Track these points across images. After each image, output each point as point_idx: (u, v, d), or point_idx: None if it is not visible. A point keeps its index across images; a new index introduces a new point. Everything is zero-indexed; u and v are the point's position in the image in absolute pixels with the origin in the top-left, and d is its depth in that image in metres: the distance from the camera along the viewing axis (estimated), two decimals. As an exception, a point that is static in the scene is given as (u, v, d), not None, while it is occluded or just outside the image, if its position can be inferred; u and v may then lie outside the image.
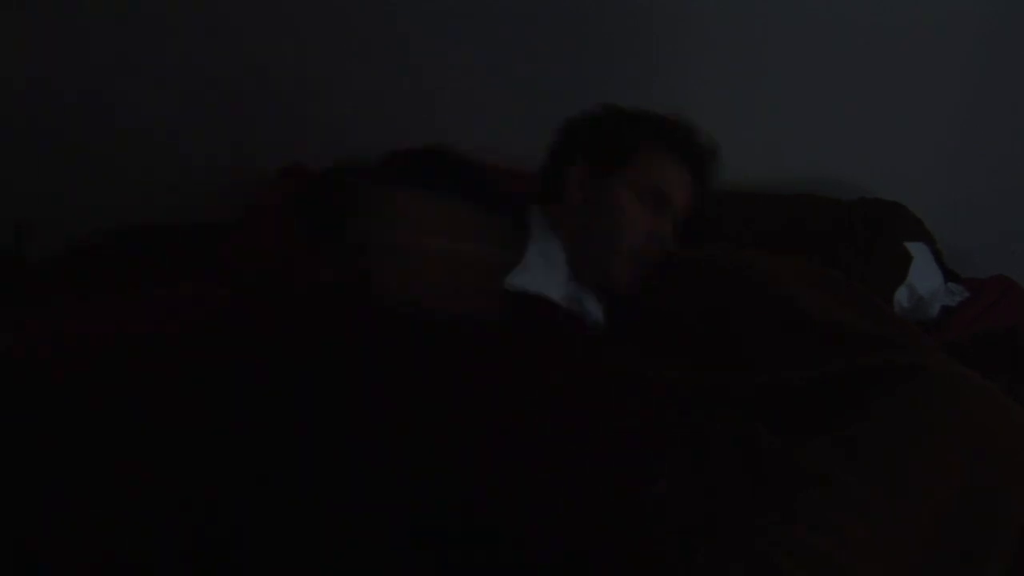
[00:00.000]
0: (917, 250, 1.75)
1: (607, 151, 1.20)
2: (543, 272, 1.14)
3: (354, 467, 0.78)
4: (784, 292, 1.25)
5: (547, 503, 0.77)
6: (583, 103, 1.94)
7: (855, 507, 0.86)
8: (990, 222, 2.06)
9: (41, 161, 1.91)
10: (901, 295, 1.69)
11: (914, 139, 2.00)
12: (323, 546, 0.75)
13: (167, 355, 1.03)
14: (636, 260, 1.21)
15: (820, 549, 0.81)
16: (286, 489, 0.79)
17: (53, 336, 1.22)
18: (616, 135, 1.23)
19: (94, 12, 1.80)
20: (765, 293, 1.26)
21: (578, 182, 1.18)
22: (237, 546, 0.77)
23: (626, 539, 0.76)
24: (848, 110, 1.97)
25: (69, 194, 1.92)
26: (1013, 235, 2.07)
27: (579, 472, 0.81)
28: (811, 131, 1.99)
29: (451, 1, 1.85)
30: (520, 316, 1.06)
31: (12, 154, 1.90)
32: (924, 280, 1.72)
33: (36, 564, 0.79)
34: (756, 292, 1.27)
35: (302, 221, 1.15)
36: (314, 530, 0.76)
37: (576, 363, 0.94)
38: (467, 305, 1.00)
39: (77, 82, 1.86)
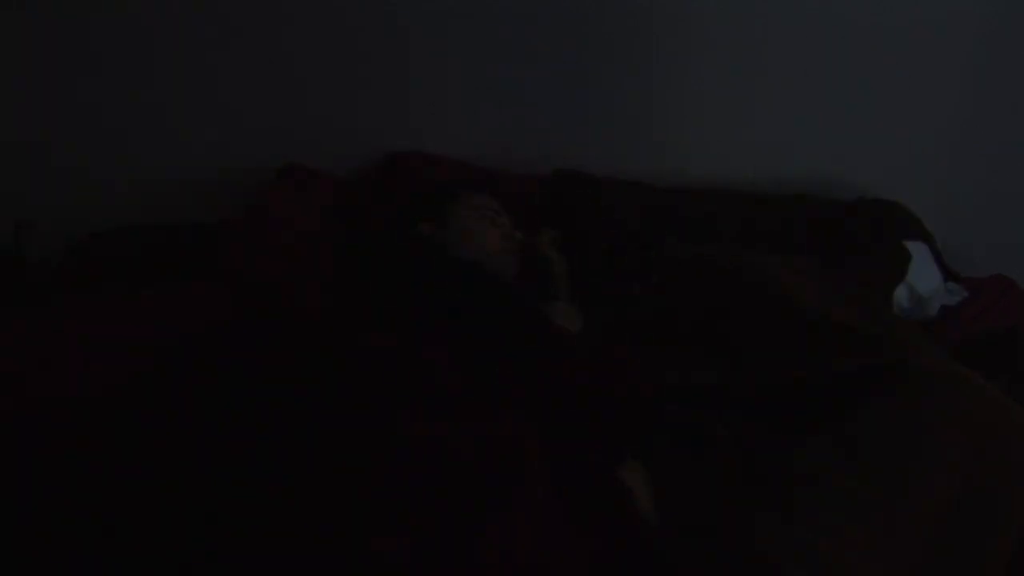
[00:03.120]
0: (917, 249, 1.75)
1: (436, 203, 1.54)
2: None
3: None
4: (783, 292, 1.25)
5: None
6: (584, 104, 1.95)
7: (855, 507, 0.86)
8: (990, 222, 2.06)
9: (41, 161, 1.91)
10: (901, 294, 1.69)
11: (914, 139, 2.00)
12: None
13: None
14: (508, 252, 1.49)
15: (820, 549, 0.82)
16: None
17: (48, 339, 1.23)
18: (436, 192, 1.59)
19: (94, 13, 1.80)
20: (764, 293, 1.26)
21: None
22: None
23: None
24: (848, 110, 1.97)
25: (69, 194, 1.92)
26: (1013, 235, 2.07)
27: None
28: (811, 131, 1.99)
29: (451, 3, 1.85)
30: None
31: (12, 154, 1.90)
32: (924, 280, 1.71)
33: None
34: (755, 292, 1.27)
35: None
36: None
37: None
38: None
39: (77, 82, 1.86)
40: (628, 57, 1.92)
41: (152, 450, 0.88)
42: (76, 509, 0.83)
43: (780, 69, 1.93)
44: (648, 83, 1.94)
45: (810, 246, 1.72)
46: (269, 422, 0.88)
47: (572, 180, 1.86)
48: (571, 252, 1.65)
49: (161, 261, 1.75)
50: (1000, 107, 1.98)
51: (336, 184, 1.91)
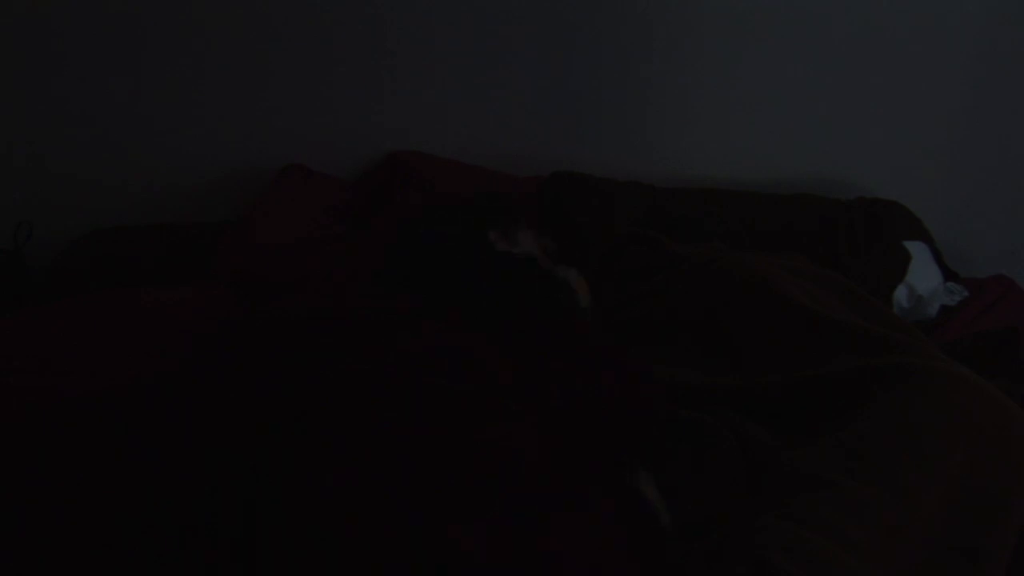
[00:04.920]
0: (916, 249, 1.75)
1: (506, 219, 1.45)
2: None
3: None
4: (782, 292, 1.25)
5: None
6: (583, 105, 1.95)
7: (855, 508, 0.86)
8: (990, 222, 2.06)
9: (41, 161, 1.91)
10: (900, 294, 1.69)
11: (914, 139, 2.00)
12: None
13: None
14: None
15: (821, 550, 0.82)
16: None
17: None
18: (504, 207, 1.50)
19: (94, 13, 1.80)
20: (763, 293, 1.26)
21: None
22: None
23: None
24: (848, 110, 1.97)
25: (69, 194, 1.92)
26: (1013, 235, 2.07)
27: None
28: (811, 131, 1.99)
29: (451, 4, 1.85)
30: None
31: (12, 154, 1.90)
32: (923, 280, 1.71)
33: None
34: (754, 292, 1.27)
35: None
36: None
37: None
38: None
39: (77, 82, 1.86)
40: (627, 57, 1.92)
41: (177, 451, 0.87)
42: (79, 510, 0.83)
43: (780, 68, 1.93)
44: (647, 83, 1.94)
45: (810, 246, 1.72)
46: (320, 421, 0.88)
47: (571, 181, 1.86)
48: (570, 253, 1.65)
49: (161, 261, 1.75)
50: (1000, 107, 1.98)
51: (336, 184, 1.91)
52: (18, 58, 1.83)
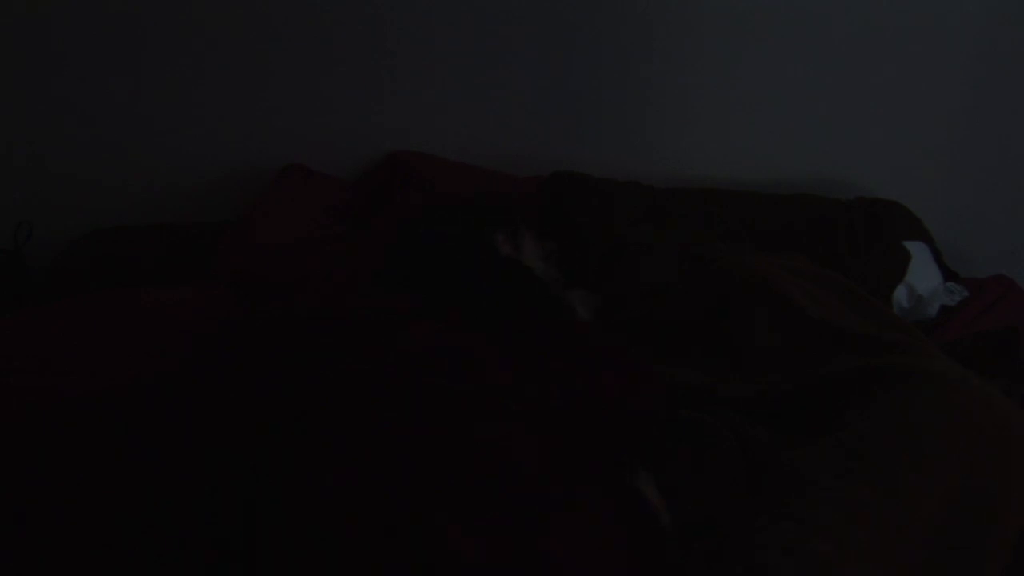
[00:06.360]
0: (916, 249, 1.75)
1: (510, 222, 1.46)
2: None
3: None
4: (782, 292, 1.25)
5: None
6: (583, 105, 1.95)
7: (855, 508, 0.86)
8: (990, 222, 2.06)
9: (41, 161, 1.91)
10: (900, 294, 1.69)
11: (914, 139, 2.00)
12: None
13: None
14: None
15: (819, 552, 0.82)
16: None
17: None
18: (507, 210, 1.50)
19: (94, 13, 1.81)
20: (763, 294, 1.26)
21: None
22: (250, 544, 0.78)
23: None
24: (848, 110, 1.97)
25: (69, 194, 1.92)
26: (1014, 235, 2.07)
27: None
28: (811, 131, 1.99)
29: (451, 4, 1.85)
30: None
31: (12, 154, 1.90)
32: (923, 280, 1.71)
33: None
34: (754, 293, 1.27)
35: None
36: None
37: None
38: None
39: (77, 83, 1.86)
40: (627, 57, 1.92)
41: (177, 451, 0.87)
42: (79, 510, 0.83)
43: (780, 68, 1.93)
44: (647, 83, 1.94)
45: (810, 246, 1.72)
46: (320, 421, 0.88)
47: (571, 181, 1.86)
48: (570, 254, 1.65)
49: (161, 261, 1.75)
50: (1000, 107, 1.98)
51: (336, 184, 1.91)
52: (18, 58, 1.83)
